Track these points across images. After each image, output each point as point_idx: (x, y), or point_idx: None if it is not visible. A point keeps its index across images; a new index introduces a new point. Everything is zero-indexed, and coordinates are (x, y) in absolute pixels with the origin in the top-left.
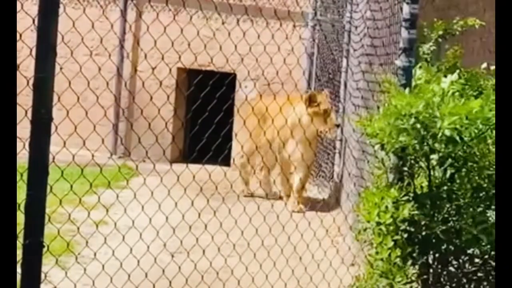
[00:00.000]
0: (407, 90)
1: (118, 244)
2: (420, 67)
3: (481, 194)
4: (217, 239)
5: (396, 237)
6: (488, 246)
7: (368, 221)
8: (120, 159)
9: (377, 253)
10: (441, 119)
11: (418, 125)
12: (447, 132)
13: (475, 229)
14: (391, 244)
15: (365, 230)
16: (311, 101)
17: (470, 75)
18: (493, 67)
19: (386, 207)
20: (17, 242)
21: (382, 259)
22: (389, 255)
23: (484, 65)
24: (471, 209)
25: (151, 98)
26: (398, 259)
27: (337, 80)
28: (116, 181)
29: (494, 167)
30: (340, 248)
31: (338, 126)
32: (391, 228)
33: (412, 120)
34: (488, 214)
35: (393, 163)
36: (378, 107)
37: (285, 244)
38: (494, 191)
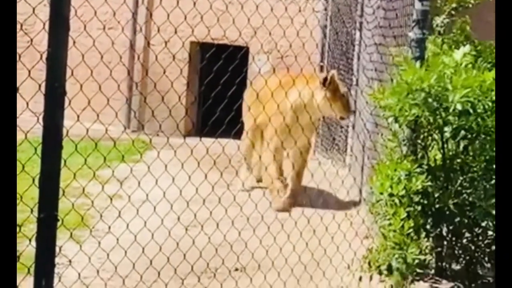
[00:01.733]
0: (418, 63)
1: (132, 217)
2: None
3: (493, 167)
4: (231, 213)
5: (409, 209)
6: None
7: (381, 193)
8: (134, 133)
9: (390, 224)
10: (453, 92)
11: (430, 99)
12: (459, 106)
13: (486, 202)
14: (404, 215)
15: (378, 202)
16: (328, 82)
17: (484, 47)
18: None
19: (399, 179)
20: (32, 216)
21: (395, 231)
22: (402, 226)
23: None
24: (483, 182)
25: (164, 71)
26: (411, 230)
27: (350, 52)
28: (130, 155)
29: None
30: (354, 221)
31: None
32: (404, 200)
33: (423, 94)
34: None
35: (406, 135)
36: (392, 80)
37: (299, 217)
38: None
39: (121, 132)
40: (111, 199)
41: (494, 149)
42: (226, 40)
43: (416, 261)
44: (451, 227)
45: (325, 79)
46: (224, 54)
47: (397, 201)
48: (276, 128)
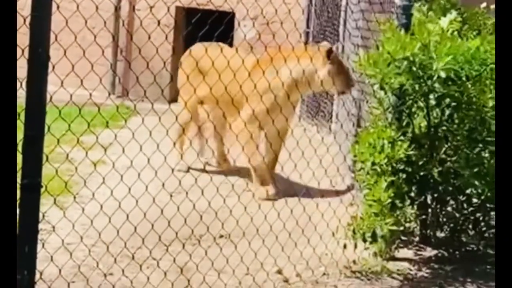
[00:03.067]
0: (403, 31)
1: (117, 184)
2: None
3: (476, 136)
4: (216, 180)
5: (392, 178)
6: (484, 188)
7: (363, 161)
8: (118, 99)
9: (372, 194)
10: (437, 60)
11: (414, 68)
12: (443, 74)
13: (469, 171)
14: (384, 184)
15: (360, 170)
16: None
17: (470, 14)
18: (493, 6)
19: (382, 147)
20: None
21: (375, 200)
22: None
23: (484, 4)
24: (466, 151)
25: (149, 37)
26: (390, 200)
27: (336, 19)
28: (114, 121)
29: (490, 108)
30: (339, 188)
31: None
32: (387, 168)
33: (406, 63)
34: (483, 156)
35: (392, 102)
36: (378, 47)
37: (284, 185)
38: (488, 134)
39: (106, 98)
40: (95, 165)
41: (477, 118)
42: (212, 5)
43: (396, 230)
44: (435, 195)
45: (329, 51)
46: (209, 20)
47: (379, 170)
48: (264, 109)
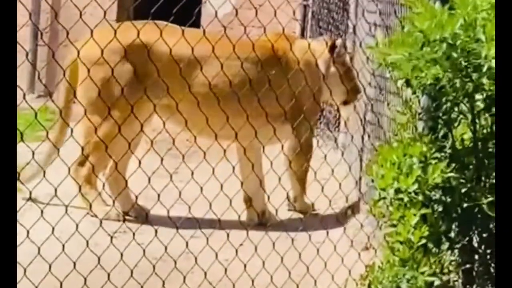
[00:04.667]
0: (438, 3)
1: (35, 220)
2: None
3: None
4: (173, 212)
5: (424, 211)
6: None
7: (384, 189)
8: (39, 100)
9: (396, 233)
10: (488, 45)
11: (455, 54)
12: (494, 65)
13: None
14: (415, 220)
15: (380, 200)
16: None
17: None
18: None
19: (410, 167)
20: None
21: (402, 242)
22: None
23: None
24: None
25: (81, 14)
26: (424, 241)
27: None
28: (32, 132)
29: None
30: (349, 225)
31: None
32: (418, 198)
33: (445, 46)
34: None
35: (423, 105)
36: (402, 27)
37: (277, 224)
38: None
39: (21, 98)
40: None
41: None
42: None
43: (437, 282)
44: (484, 235)
45: (333, 46)
46: None
47: (406, 199)
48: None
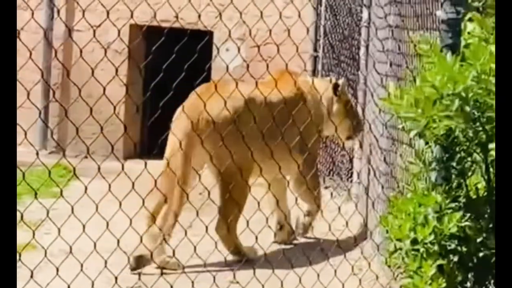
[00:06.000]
0: (450, 54)
1: (52, 278)
2: (471, 19)
3: None
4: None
5: (440, 261)
6: None
7: (400, 239)
8: (52, 156)
9: (414, 285)
10: None
11: (468, 108)
12: None
13: None
14: (432, 271)
15: (396, 251)
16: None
17: None
18: None
19: (426, 218)
20: None
21: None
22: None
23: None
24: None
25: (93, 71)
26: None
27: (355, 39)
28: (46, 188)
29: None
30: (364, 277)
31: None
32: (433, 248)
33: (458, 101)
34: None
35: (436, 156)
36: (415, 78)
37: (287, 273)
38: None
39: (34, 155)
40: (19, 252)
41: None
42: (180, 23)
43: None
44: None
45: (336, 86)
46: (178, 45)
47: (422, 250)
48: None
